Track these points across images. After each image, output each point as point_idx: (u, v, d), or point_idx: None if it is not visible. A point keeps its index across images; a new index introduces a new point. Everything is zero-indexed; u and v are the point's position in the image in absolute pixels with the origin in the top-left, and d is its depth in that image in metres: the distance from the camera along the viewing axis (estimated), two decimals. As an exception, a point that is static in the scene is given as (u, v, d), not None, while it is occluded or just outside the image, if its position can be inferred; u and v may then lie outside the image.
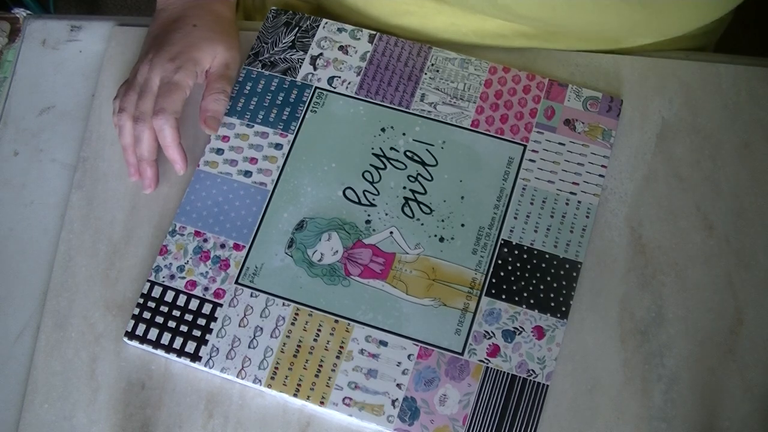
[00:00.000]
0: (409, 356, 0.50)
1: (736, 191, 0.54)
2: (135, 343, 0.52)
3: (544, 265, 0.52)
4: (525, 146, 0.55)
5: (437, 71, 0.58)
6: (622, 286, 0.52)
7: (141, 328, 0.52)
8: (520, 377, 0.49)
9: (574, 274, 0.51)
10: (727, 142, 0.55)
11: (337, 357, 0.50)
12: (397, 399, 0.49)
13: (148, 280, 0.53)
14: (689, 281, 0.52)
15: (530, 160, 0.55)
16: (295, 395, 0.49)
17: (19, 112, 0.62)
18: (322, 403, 0.49)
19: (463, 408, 0.48)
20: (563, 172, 0.54)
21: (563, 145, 0.55)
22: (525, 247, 0.52)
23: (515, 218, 0.53)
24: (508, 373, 0.49)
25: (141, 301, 0.53)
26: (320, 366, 0.50)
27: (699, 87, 0.56)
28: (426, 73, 0.58)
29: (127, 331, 0.52)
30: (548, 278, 0.51)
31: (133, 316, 0.52)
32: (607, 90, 0.57)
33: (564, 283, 0.51)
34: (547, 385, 0.49)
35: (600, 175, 0.54)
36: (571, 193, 0.54)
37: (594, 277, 0.52)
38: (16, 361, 0.54)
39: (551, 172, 0.54)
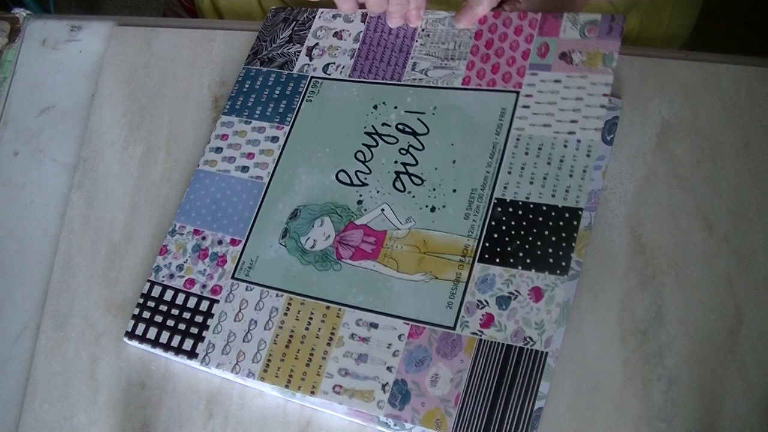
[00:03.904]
0: (399, 336, 0.47)
1: (736, 191, 0.54)
2: (135, 343, 0.52)
3: (541, 218, 0.47)
4: (518, 93, 0.51)
5: (428, 36, 0.56)
6: (622, 286, 0.52)
7: (141, 328, 0.52)
8: (515, 347, 0.45)
9: (575, 222, 0.47)
10: (727, 142, 0.55)
11: (328, 344, 0.48)
12: (387, 383, 0.46)
13: (148, 280, 0.53)
14: (689, 281, 0.52)
15: (524, 107, 0.51)
16: (286, 386, 0.48)
17: (19, 112, 0.62)
18: (312, 392, 0.47)
19: (455, 387, 0.45)
20: (560, 112, 0.50)
21: (559, 82, 0.51)
22: (520, 203, 0.48)
23: (509, 173, 0.49)
24: (502, 344, 0.45)
25: (141, 300, 0.53)
26: (311, 355, 0.48)
27: (699, 87, 0.56)
28: (417, 41, 0.56)
29: (127, 331, 0.52)
30: (546, 232, 0.47)
31: (133, 316, 0.52)
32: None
33: (564, 234, 0.46)
34: (546, 353, 0.44)
35: (602, 106, 0.49)
36: (570, 132, 0.49)
37: (594, 276, 0.52)
38: (16, 361, 0.54)
39: (547, 114, 0.50)
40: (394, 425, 0.48)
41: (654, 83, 0.57)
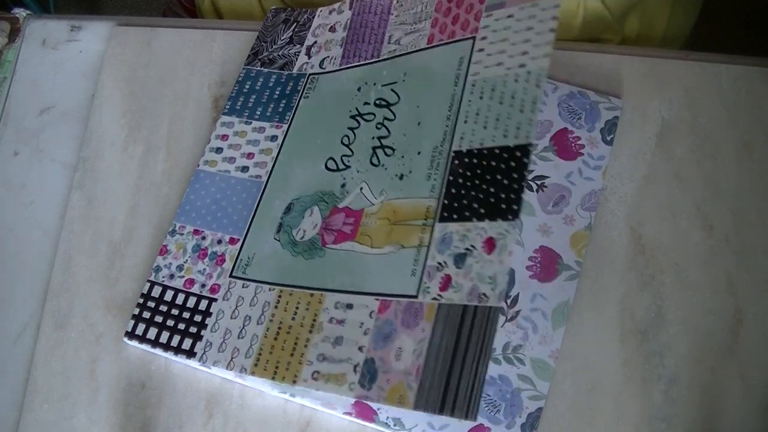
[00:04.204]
0: (370, 314, 0.45)
1: (736, 191, 0.54)
2: (135, 343, 0.52)
3: (494, 162, 0.44)
4: (474, 38, 0.49)
5: (401, 6, 0.56)
6: (622, 286, 0.52)
7: (141, 328, 0.52)
8: (471, 307, 0.42)
9: (525, 160, 0.43)
10: (727, 142, 0.55)
11: (310, 331, 0.47)
12: (358, 364, 0.44)
13: (148, 280, 0.53)
14: (689, 281, 0.52)
15: (479, 51, 0.49)
16: (273, 378, 0.47)
17: (19, 112, 0.62)
18: (294, 381, 0.46)
19: (417, 358, 0.42)
20: (512, 47, 0.47)
21: (511, 17, 0.48)
22: (475, 151, 0.46)
23: (465, 122, 0.47)
24: (459, 307, 0.42)
25: (141, 301, 0.53)
26: (295, 344, 0.47)
27: (699, 87, 0.56)
28: (392, 14, 0.56)
29: (127, 331, 0.52)
30: (498, 176, 0.44)
31: (133, 316, 0.52)
32: (607, 90, 0.57)
33: (514, 175, 0.43)
34: (497, 309, 0.41)
35: (551, 30, 0.45)
36: (521, 66, 0.46)
37: (594, 276, 0.52)
38: (16, 361, 0.54)
39: (500, 53, 0.47)
40: (394, 425, 0.48)
41: (654, 83, 0.57)
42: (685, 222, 0.53)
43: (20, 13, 0.67)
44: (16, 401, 0.53)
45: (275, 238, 0.52)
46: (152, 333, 0.52)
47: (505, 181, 0.44)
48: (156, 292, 0.53)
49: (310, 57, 0.58)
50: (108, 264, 0.55)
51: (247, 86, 0.59)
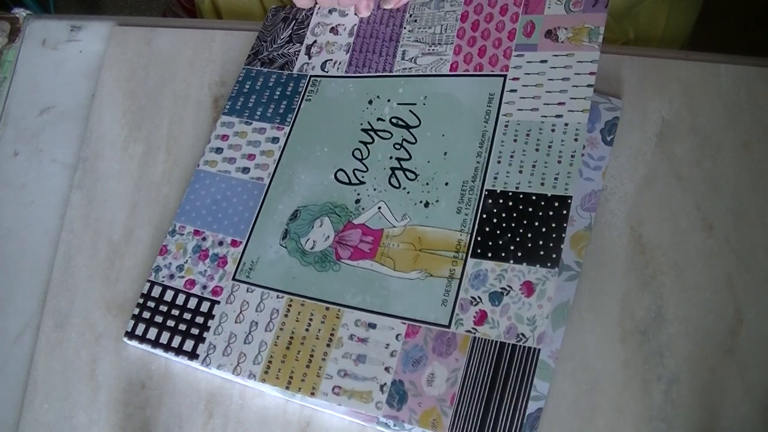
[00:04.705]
0: (397, 336, 0.47)
1: (736, 191, 0.54)
2: (135, 343, 0.52)
3: (531, 209, 0.46)
4: (505, 76, 0.50)
5: (415, 21, 0.55)
6: (622, 286, 0.52)
7: (141, 328, 0.52)
8: (508, 345, 0.44)
9: (564, 212, 0.46)
10: (727, 142, 0.55)
11: (328, 345, 0.48)
12: (385, 384, 0.46)
13: (148, 280, 0.53)
14: (689, 281, 0.52)
15: (511, 91, 0.50)
16: (287, 388, 0.48)
17: (19, 112, 0.62)
18: (312, 394, 0.47)
19: (451, 386, 0.44)
20: (547, 94, 0.49)
21: (545, 62, 0.49)
22: (510, 194, 0.47)
23: (498, 162, 0.48)
24: (496, 342, 0.44)
25: (141, 301, 0.53)
26: (311, 356, 0.48)
27: (699, 87, 0.56)
28: (405, 28, 0.56)
29: (127, 331, 0.52)
30: (536, 223, 0.46)
31: (133, 316, 0.52)
32: (606, 91, 0.57)
33: (554, 225, 0.45)
34: (539, 350, 0.43)
35: (588, 85, 0.48)
36: (557, 116, 0.48)
37: (594, 276, 0.52)
38: (16, 361, 0.54)
39: (534, 98, 0.49)
40: (394, 425, 0.48)
41: (654, 83, 0.57)
42: (685, 222, 0.53)
43: (20, 13, 0.67)
44: (16, 401, 0.53)
45: (281, 245, 0.52)
46: (152, 333, 0.52)
47: (543, 229, 0.46)
48: (156, 292, 0.53)
49: (310, 57, 0.58)
50: (108, 264, 0.55)
51: (248, 86, 0.59)
